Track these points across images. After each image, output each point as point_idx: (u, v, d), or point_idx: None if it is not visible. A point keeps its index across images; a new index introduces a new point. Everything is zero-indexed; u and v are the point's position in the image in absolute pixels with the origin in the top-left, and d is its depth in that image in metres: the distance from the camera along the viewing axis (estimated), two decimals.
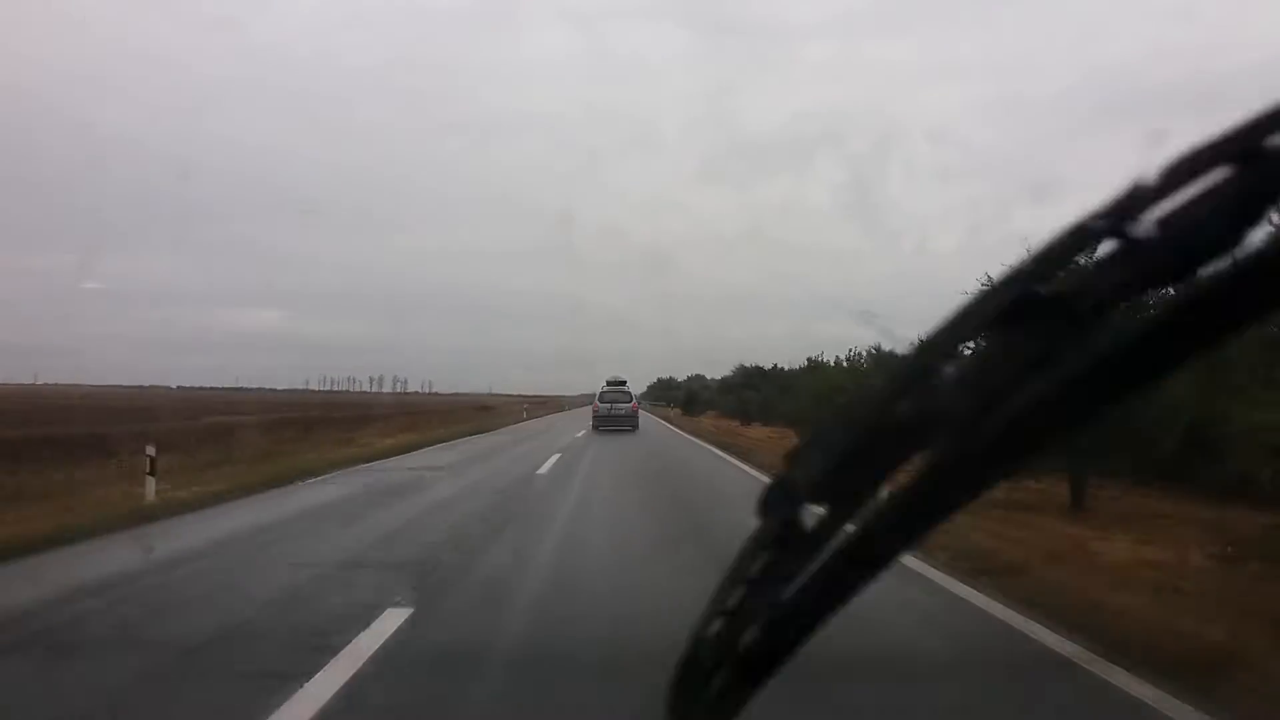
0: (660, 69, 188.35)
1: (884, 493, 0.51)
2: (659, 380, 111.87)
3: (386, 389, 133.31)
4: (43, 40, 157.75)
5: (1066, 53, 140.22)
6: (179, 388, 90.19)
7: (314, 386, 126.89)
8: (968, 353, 0.51)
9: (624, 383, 31.97)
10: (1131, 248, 0.45)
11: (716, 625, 0.61)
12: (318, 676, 3.79)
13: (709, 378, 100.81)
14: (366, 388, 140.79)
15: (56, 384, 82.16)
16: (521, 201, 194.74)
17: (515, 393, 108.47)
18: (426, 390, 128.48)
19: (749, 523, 0.61)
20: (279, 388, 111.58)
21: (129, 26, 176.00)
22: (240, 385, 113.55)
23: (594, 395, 33.69)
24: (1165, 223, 0.45)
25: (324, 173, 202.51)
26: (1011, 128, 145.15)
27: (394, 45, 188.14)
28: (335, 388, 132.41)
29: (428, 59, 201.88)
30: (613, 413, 29.62)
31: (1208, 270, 0.44)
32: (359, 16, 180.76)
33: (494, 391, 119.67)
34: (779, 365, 68.56)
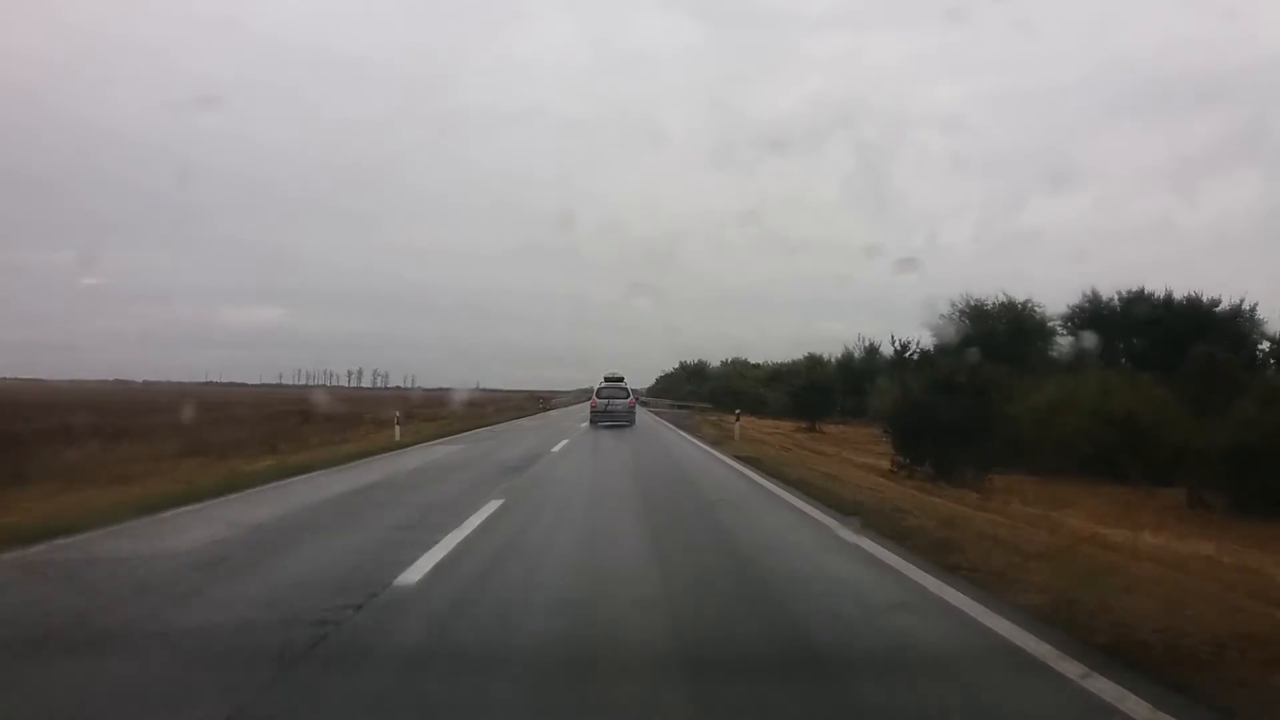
0: (665, 61, 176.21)
1: None
2: (682, 365, 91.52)
3: (366, 384, 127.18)
4: (37, 35, 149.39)
5: (1080, 43, 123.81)
6: (145, 382, 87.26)
7: (288, 381, 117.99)
8: None
9: (621, 379, 32.97)
10: None
11: None
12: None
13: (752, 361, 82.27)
14: (345, 383, 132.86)
15: (14, 378, 78.56)
16: (519, 195, 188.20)
17: (509, 388, 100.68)
18: (408, 385, 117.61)
19: None
20: (251, 383, 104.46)
21: (122, 20, 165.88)
22: (210, 380, 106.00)
23: (590, 391, 35.75)
24: None
25: (314, 166, 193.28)
26: (1023, 119, 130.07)
27: (391, 36, 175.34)
28: (311, 382, 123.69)
29: (427, 50, 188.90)
30: (610, 408, 30.84)
31: None
32: (355, 7, 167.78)
33: (482, 387, 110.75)
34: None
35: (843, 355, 50.71)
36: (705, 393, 62.15)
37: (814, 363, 57.35)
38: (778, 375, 62.50)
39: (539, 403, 60.52)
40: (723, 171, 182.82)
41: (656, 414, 48.53)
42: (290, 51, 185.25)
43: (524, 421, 35.86)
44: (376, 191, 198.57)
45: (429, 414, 43.84)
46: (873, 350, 49.86)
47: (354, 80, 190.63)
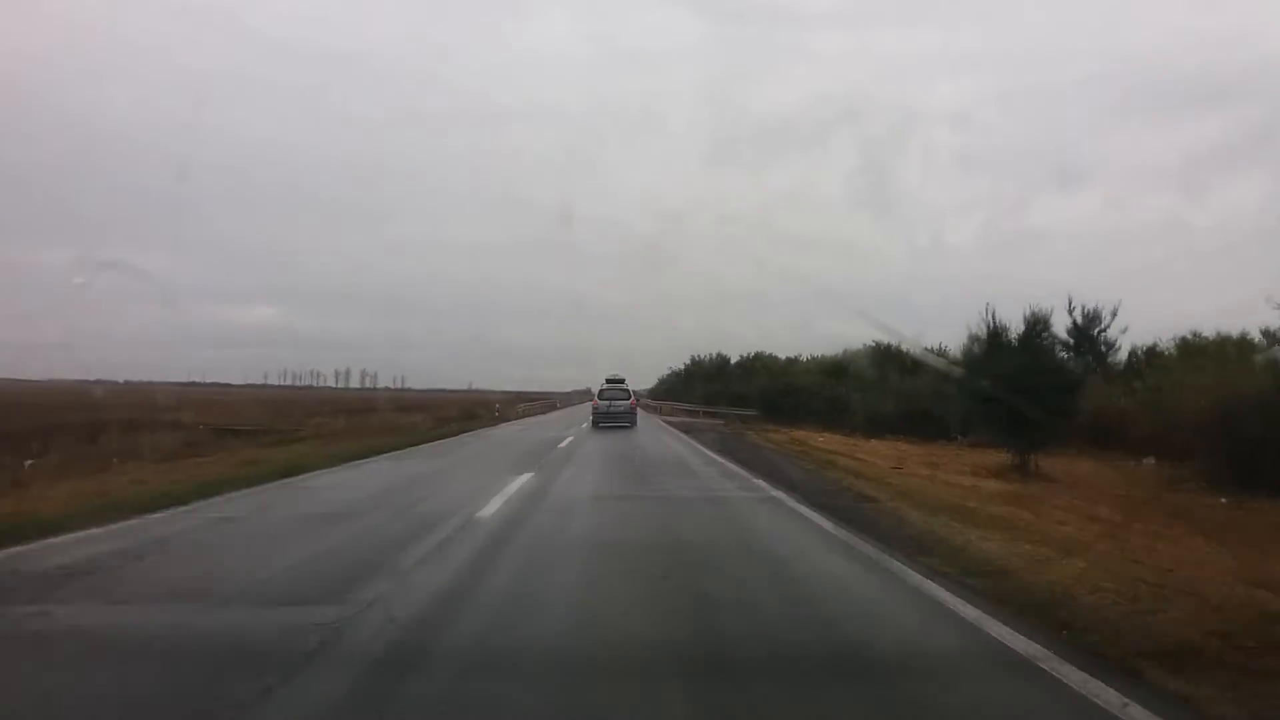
0: (666, 57, 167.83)
1: None
2: (694, 361, 71.37)
3: (355, 384, 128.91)
4: (34, 33, 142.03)
5: (1088, 40, 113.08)
6: (126, 382, 79.91)
7: (274, 381, 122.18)
8: None
9: (623, 380, 33.42)
10: None
11: None
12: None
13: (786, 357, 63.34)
14: (332, 383, 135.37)
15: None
16: (518, 192, 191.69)
17: (506, 389, 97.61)
18: (398, 386, 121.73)
19: None
20: (235, 383, 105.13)
21: (118, 16, 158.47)
22: (194, 379, 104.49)
23: (587, 391, 38.91)
24: None
25: (310, 163, 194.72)
26: (1029, 117, 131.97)
27: (390, 32, 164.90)
28: (298, 382, 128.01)
29: (425, 46, 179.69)
30: (611, 409, 30.55)
31: None
32: (354, 3, 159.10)
33: (475, 387, 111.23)
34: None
35: (988, 333, 30.66)
36: (753, 395, 42.16)
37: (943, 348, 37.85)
38: (839, 370, 42.67)
39: (496, 410, 40.72)
40: (725, 169, 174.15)
41: (684, 432, 28.40)
42: (287, 47, 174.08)
43: (396, 465, 15.80)
44: (373, 189, 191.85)
45: (295, 431, 25.86)
46: (1036, 325, 29.83)
47: (351, 76, 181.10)
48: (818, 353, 52.38)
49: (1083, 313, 32.08)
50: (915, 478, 15.71)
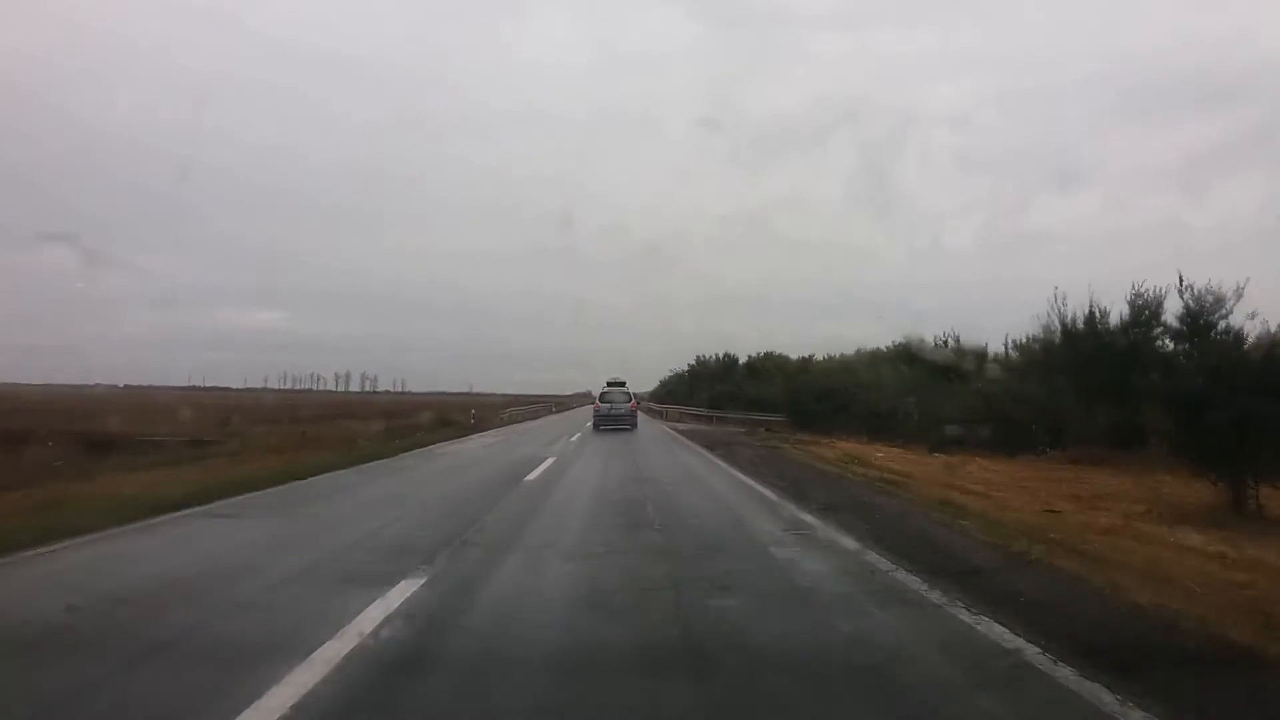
0: (665, 60, 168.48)
1: None
2: (699, 362, 64.81)
3: (355, 388, 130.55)
4: (36, 34, 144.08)
5: (1088, 41, 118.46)
6: (125, 386, 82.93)
7: (274, 385, 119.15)
8: None
9: (624, 383, 33.25)
10: None
11: None
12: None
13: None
14: (332, 386, 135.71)
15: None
16: (519, 195, 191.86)
17: (504, 392, 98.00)
18: (398, 389, 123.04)
19: None
20: (235, 387, 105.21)
21: (119, 19, 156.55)
22: (194, 384, 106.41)
23: (587, 394, 39.07)
24: None
25: (311, 166, 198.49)
26: (1028, 117, 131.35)
27: (391, 36, 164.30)
28: (297, 386, 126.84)
29: (426, 50, 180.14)
30: (612, 412, 30.97)
31: None
32: (355, 6, 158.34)
33: (475, 390, 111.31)
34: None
35: (1078, 322, 24.04)
36: (773, 398, 36.06)
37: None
38: (862, 370, 36.02)
39: (471, 416, 34.12)
40: (724, 171, 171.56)
41: (705, 447, 21.97)
42: (289, 51, 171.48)
43: (210, 531, 9.15)
44: (374, 192, 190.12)
45: (211, 445, 19.74)
46: (1142, 316, 23.15)
47: (352, 80, 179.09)
48: (819, 354, 46.75)
49: (1194, 295, 25.48)
50: (1124, 537, 9.19)
